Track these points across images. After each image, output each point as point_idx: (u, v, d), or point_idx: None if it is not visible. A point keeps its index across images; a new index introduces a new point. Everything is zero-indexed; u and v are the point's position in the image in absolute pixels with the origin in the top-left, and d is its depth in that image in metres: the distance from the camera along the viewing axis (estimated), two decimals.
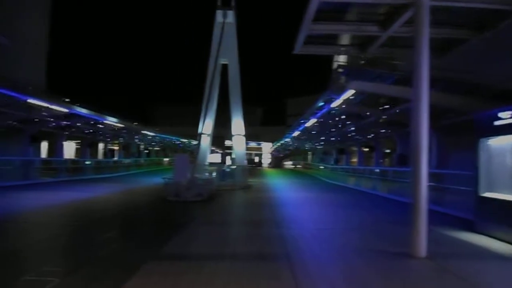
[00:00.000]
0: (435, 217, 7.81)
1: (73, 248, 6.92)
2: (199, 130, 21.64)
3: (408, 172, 10.31)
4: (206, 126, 21.76)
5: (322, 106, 19.63)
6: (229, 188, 19.24)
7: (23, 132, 22.97)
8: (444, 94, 11.33)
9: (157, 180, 24.02)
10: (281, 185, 24.42)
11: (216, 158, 71.66)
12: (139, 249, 6.73)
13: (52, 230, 8.28)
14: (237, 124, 23.77)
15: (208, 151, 23.23)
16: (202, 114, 21.36)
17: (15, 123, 21.30)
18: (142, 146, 46.81)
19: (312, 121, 25.00)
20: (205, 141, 22.51)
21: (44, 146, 30.78)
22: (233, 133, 23.90)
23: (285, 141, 52.86)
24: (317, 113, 22.07)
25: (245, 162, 26.08)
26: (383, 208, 13.35)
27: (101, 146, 36.86)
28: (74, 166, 25.73)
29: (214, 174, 20.88)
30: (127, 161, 36.70)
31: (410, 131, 6.53)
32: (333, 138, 30.21)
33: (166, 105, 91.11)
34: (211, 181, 16.80)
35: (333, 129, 25.92)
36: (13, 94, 14.16)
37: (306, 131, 30.19)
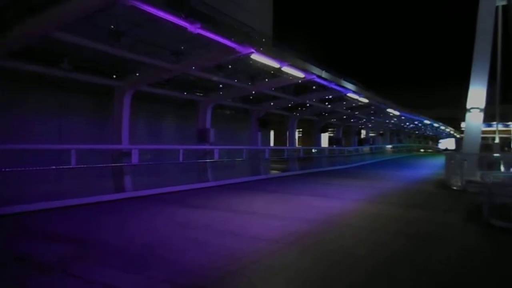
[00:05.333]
0: None
1: None
2: (468, 105, 15.56)
3: None
4: (476, 97, 15.21)
5: None
6: None
7: (250, 115, 20.13)
8: None
9: (413, 174, 18.95)
10: None
11: (449, 143, 57.67)
12: None
13: None
14: None
15: (479, 134, 15.75)
16: (473, 80, 15.13)
17: (239, 103, 18.50)
18: (370, 130, 40.13)
19: None
20: (477, 119, 15.53)
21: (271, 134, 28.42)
22: None
23: None
24: None
25: None
26: None
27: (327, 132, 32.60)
28: (304, 156, 21.82)
29: None
30: (362, 149, 31.46)
31: None
32: None
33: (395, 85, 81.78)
34: None
35: None
36: (231, 44, 9.70)
37: None
